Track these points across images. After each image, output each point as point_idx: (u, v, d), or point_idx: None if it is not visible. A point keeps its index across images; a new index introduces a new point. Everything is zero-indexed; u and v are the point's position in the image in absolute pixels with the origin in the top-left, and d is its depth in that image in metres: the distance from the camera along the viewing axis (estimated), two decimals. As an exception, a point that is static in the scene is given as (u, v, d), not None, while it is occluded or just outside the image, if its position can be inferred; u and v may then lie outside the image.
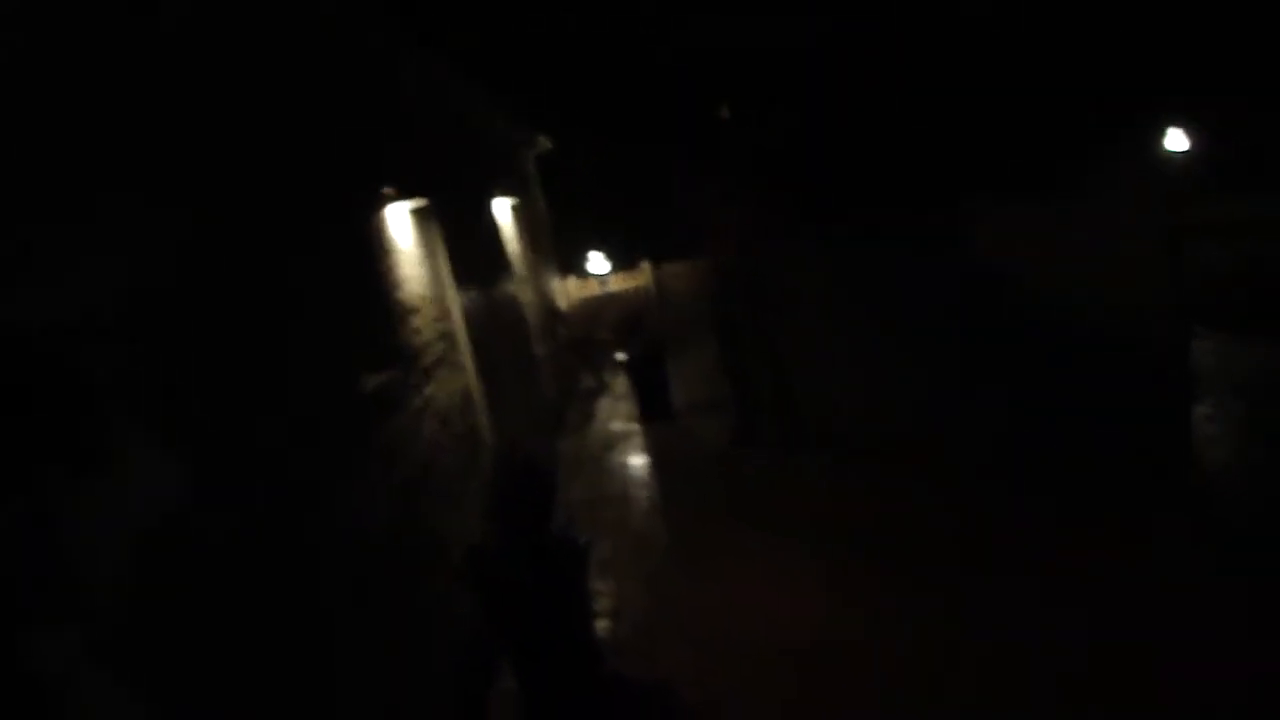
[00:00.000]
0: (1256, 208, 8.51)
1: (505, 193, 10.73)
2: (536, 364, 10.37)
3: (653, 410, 10.41)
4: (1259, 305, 8.50)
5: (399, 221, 5.65)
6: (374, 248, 5.05)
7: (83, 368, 2.01)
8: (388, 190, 5.31)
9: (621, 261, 16.62)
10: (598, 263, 16.58)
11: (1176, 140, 11.97)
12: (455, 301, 6.77)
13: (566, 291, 15.82)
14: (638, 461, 9.07)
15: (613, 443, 9.83)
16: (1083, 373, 8.07)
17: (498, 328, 8.40)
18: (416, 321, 5.50)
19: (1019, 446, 6.97)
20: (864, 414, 8.32)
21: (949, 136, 10.71)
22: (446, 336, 6.28)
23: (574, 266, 16.66)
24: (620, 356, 11.14)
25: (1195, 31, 9.23)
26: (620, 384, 12.04)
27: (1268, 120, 8.51)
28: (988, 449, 7.09)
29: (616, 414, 11.08)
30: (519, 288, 10.34)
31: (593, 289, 16.30)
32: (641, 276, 16.14)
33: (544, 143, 14.64)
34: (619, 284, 16.36)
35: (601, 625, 5.26)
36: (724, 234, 8.78)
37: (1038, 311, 8.99)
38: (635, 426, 10.28)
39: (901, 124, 10.27)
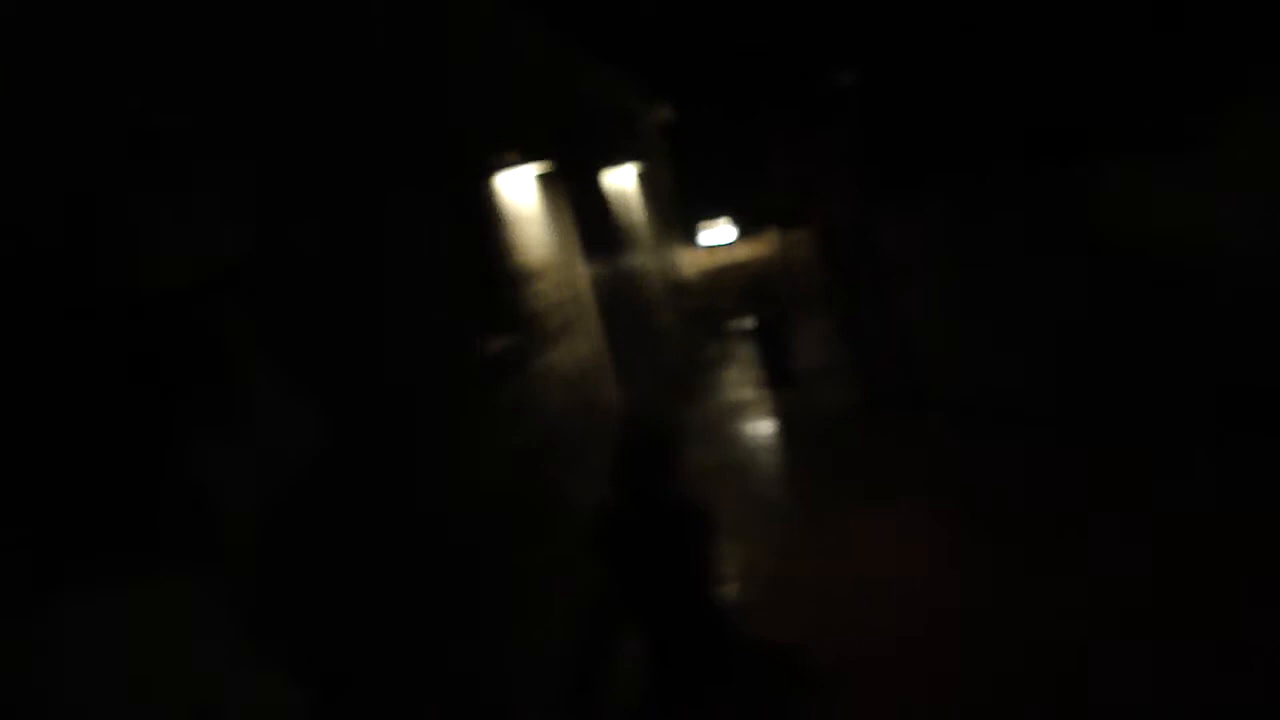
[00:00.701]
0: None
1: (630, 159, 10.74)
2: (662, 331, 10.38)
3: (777, 378, 10.31)
4: None
5: (524, 186, 5.71)
6: (497, 211, 5.11)
7: (222, 325, 2.08)
8: (511, 154, 5.36)
9: (747, 229, 16.46)
10: (723, 231, 16.46)
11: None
12: (581, 267, 6.82)
13: (692, 259, 15.78)
14: (762, 428, 9.00)
15: (737, 410, 9.78)
16: (1233, 338, 7.55)
17: (624, 294, 8.42)
18: (542, 286, 5.56)
19: (1160, 417, 6.59)
20: (987, 378, 8.04)
21: (1071, 93, 10.11)
22: (573, 302, 6.33)
23: (699, 234, 16.58)
24: (745, 324, 11.04)
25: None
26: (745, 351, 11.95)
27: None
28: (1124, 418, 6.74)
29: (741, 381, 11.01)
30: (645, 255, 10.35)
31: (718, 257, 16.20)
32: (767, 244, 15.94)
33: (667, 111, 14.59)
34: (744, 252, 16.22)
35: (730, 589, 5.26)
36: (835, 198, 8.62)
37: (1178, 275, 8.45)
38: (759, 393, 10.20)
39: (1019, 80, 9.77)
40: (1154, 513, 5.19)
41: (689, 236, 16.20)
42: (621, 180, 10.15)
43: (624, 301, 8.37)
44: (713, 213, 16.91)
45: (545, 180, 6.27)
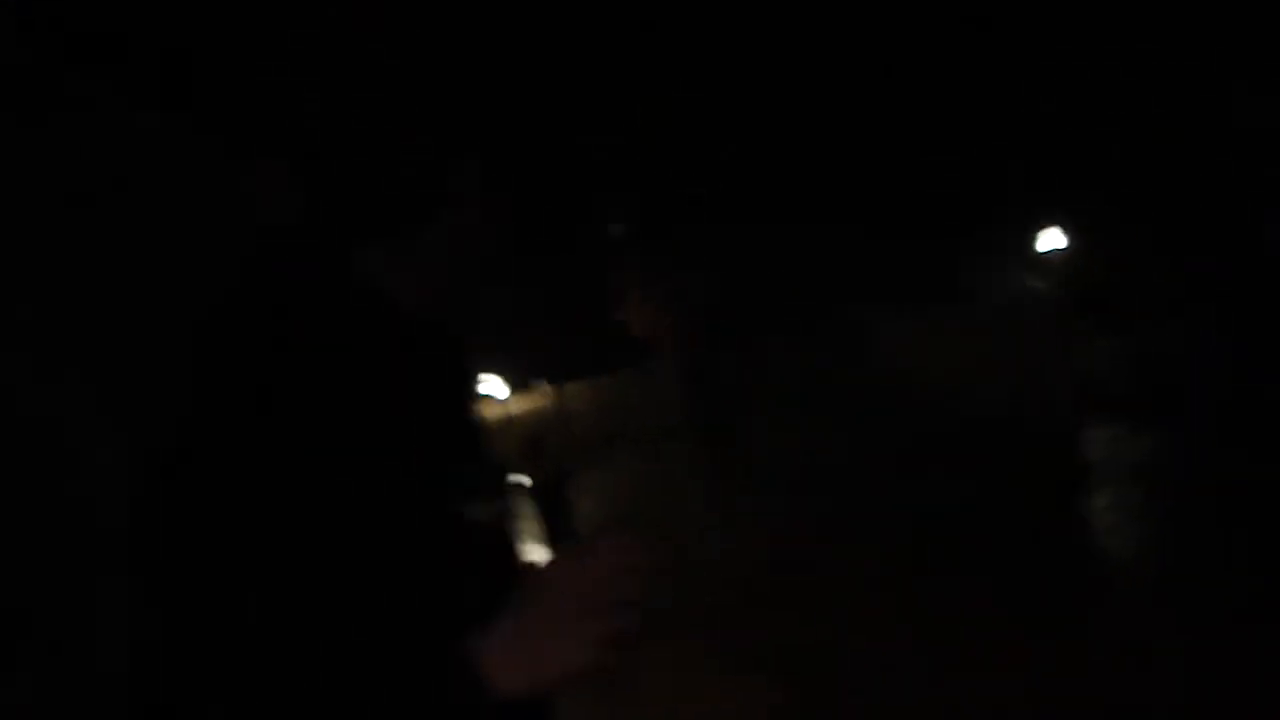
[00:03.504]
0: (1134, 301, 8.81)
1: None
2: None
3: (560, 536, 9.97)
4: (1146, 394, 8.72)
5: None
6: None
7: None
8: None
9: (518, 384, 16.30)
10: (494, 386, 16.23)
11: (1054, 239, 12.51)
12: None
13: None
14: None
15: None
16: (982, 466, 8.08)
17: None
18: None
19: (923, 530, 6.86)
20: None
21: (839, 251, 10.89)
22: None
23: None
24: (521, 480, 10.70)
25: (1064, 133, 9.75)
26: (526, 509, 11.55)
27: (1138, 216, 8.93)
28: (904, 532, 6.95)
29: (525, 540, 10.56)
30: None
31: (491, 411, 15.88)
32: (541, 398, 15.82)
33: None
34: (516, 406, 16.00)
35: None
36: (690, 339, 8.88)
37: (936, 411, 9.04)
38: (539, 552, 9.79)
39: (799, 240, 10.40)
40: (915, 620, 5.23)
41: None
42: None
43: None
44: (482, 368, 16.69)
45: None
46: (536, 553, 9.79)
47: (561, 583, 0.88)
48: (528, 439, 12.07)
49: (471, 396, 1.13)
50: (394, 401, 0.91)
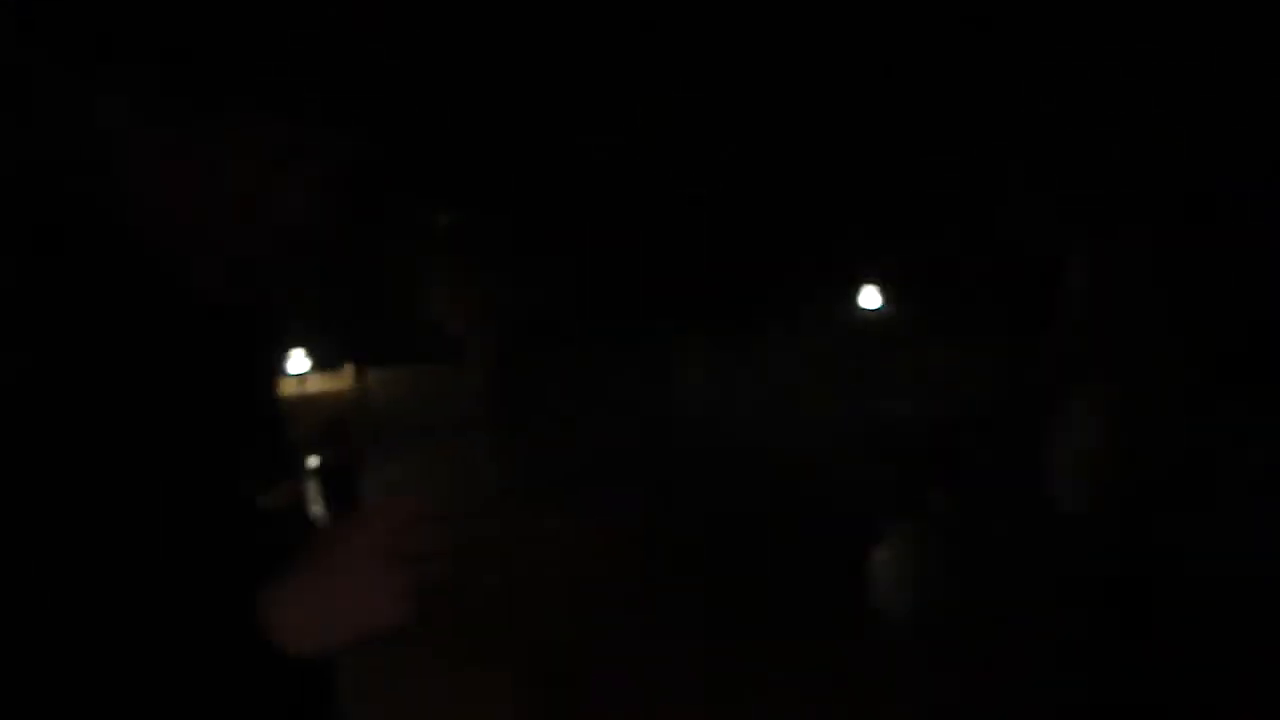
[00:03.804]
0: (939, 360, 9.38)
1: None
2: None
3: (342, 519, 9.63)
4: (940, 453, 9.27)
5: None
6: None
7: None
8: None
9: (324, 362, 15.65)
10: (296, 360, 15.54)
11: (871, 297, 13.17)
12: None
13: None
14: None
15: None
16: (760, 495, 8.41)
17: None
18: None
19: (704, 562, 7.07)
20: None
21: (660, 273, 11.05)
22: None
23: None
24: (311, 462, 10.28)
25: (888, 196, 10.32)
26: (312, 491, 11.09)
27: (949, 277, 9.55)
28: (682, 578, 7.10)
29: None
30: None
31: (289, 388, 15.17)
32: (343, 379, 15.26)
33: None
34: (318, 385, 15.37)
35: None
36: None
37: (727, 439, 9.33)
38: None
39: (623, 255, 10.49)
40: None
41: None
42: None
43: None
44: (284, 342, 15.92)
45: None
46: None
47: (349, 537, 0.84)
48: (327, 421, 11.61)
49: (264, 372, 1.05)
50: (162, 374, 0.82)
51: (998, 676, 4.68)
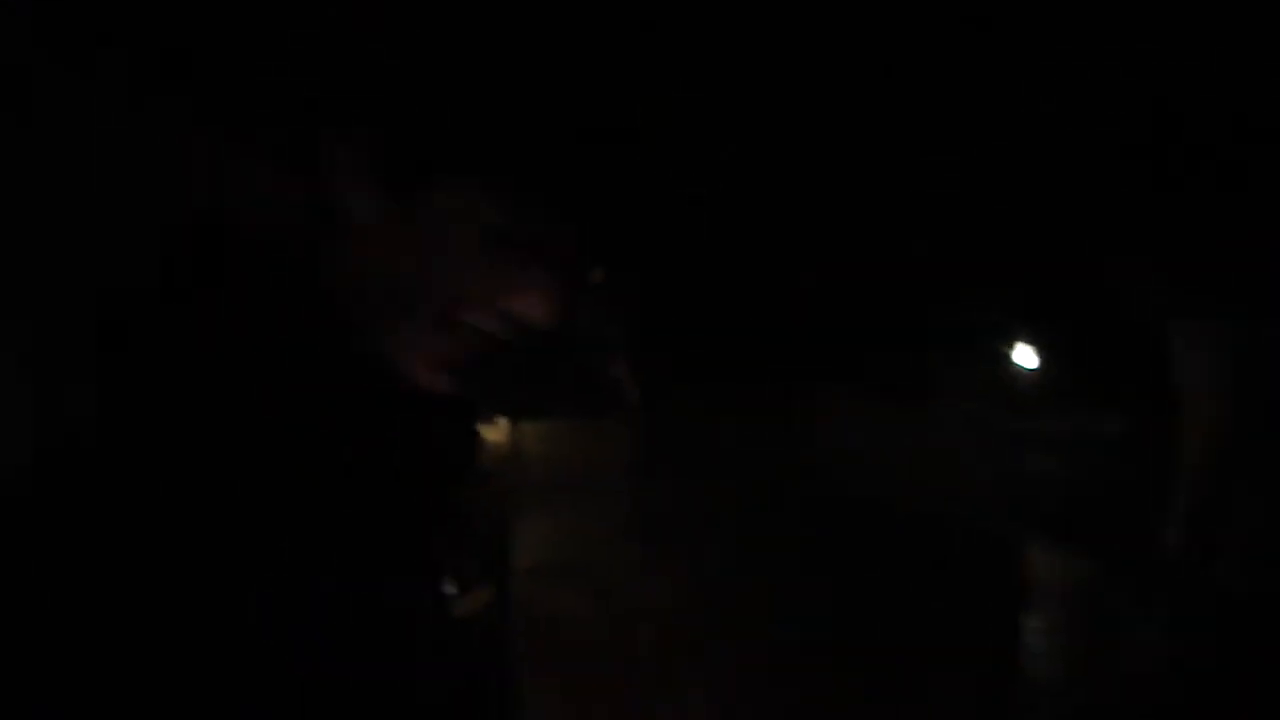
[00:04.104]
0: (1090, 424, 9.08)
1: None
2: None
3: (490, 572, 10.00)
4: (1086, 518, 8.90)
5: None
6: None
7: None
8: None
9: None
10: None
11: (1025, 355, 12.76)
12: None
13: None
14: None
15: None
16: (911, 570, 8.22)
17: None
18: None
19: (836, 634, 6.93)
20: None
21: (796, 328, 11.06)
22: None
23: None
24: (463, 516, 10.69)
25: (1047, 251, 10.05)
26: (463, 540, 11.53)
27: (1106, 339, 9.23)
28: (812, 634, 7.01)
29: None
30: None
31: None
32: (499, 431, 15.75)
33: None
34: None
35: None
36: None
37: (873, 503, 9.24)
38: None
39: (756, 305, 10.56)
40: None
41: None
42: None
43: None
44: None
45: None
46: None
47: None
48: (480, 473, 12.03)
49: (464, 469, 0.93)
50: (363, 455, 0.74)
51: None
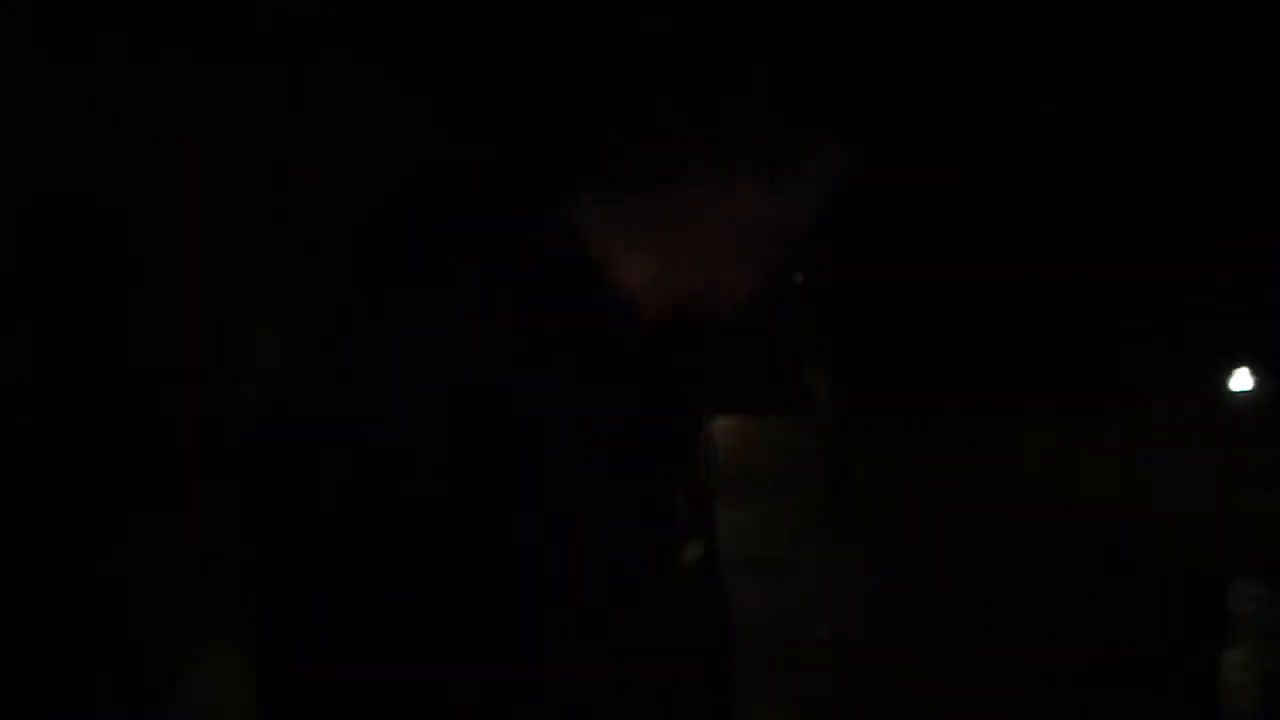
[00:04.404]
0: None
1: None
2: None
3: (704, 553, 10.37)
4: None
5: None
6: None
7: None
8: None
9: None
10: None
11: (1243, 379, 11.99)
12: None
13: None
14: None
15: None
16: (1115, 595, 8.04)
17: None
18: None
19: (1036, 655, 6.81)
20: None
21: (1009, 346, 10.95)
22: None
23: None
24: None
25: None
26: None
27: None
28: (1004, 647, 6.94)
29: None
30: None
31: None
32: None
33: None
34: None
35: None
36: None
37: (1077, 526, 9.04)
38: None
39: (964, 328, 10.56)
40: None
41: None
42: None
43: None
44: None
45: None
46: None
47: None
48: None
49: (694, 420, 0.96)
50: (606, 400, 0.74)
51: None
